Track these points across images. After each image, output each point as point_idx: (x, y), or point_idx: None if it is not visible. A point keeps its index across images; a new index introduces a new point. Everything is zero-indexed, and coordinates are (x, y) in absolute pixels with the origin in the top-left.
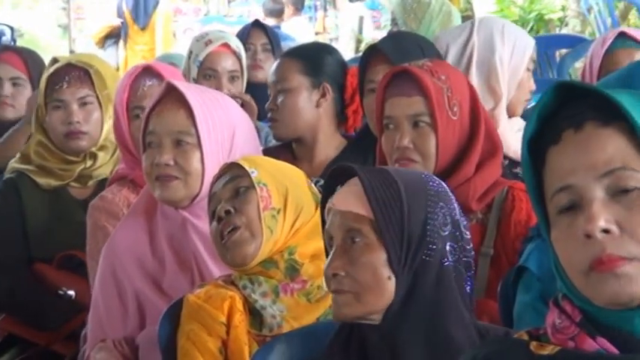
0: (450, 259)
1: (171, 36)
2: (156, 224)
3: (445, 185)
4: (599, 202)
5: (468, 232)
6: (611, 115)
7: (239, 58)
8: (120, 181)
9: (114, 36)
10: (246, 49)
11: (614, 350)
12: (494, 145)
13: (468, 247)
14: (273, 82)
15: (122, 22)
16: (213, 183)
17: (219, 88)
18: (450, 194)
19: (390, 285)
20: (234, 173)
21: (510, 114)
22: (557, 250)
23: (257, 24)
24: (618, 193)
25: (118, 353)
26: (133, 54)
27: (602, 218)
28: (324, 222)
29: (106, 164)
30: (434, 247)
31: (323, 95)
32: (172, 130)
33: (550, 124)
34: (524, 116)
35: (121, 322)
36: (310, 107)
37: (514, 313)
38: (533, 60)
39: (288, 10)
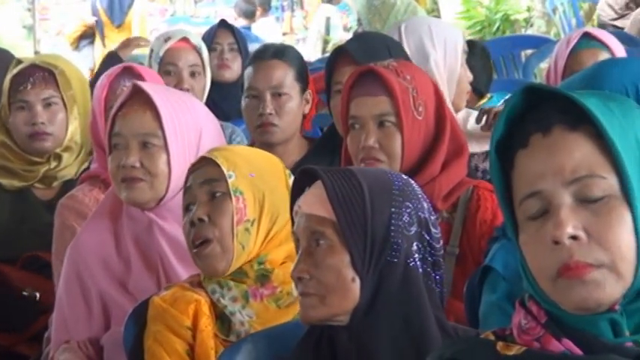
0: (417, 258)
1: (147, 35)
2: (121, 225)
3: (413, 183)
4: (567, 208)
5: (437, 231)
6: (579, 118)
7: (200, 54)
8: (91, 180)
9: (88, 36)
10: (213, 49)
11: (579, 352)
12: (459, 144)
13: (437, 246)
14: (269, 87)
15: (97, 21)
16: (189, 174)
17: (180, 83)
18: (418, 193)
19: (355, 286)
20: (211, 174)
21: (456, 109)
22: (525, 255)
23: (223, 24)
24: (586, 200)
25: (82, 354)
26: None
27: (570, 225)
28: (293, 223)
29: (70, 165)
30: (399, 247)
31: (307, 102)
32: (139, 132)
33: (518, 127)
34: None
35: (85, 323)
36: (299, 113)
37: (480, 313)
38: (465, 51)
39: (257, 10)
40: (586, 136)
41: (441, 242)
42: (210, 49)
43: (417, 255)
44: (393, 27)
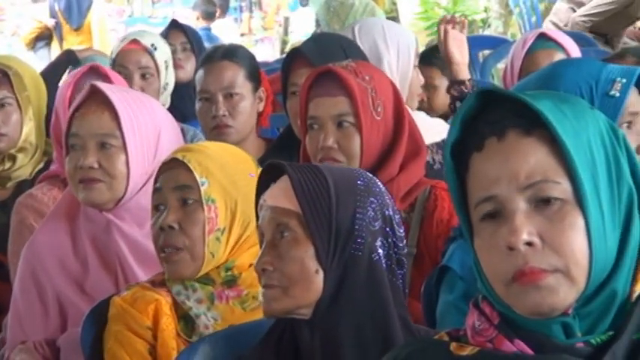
0: (381, 254)
1: (107, 37)
2: (78, 226)
3: (378, 181)
4: (521, 214)
5: (401, 230)
6: (533, 122)
7: (152, 56)
8: (51, 179)
9: (45, 37)
10: None
11: (531, 352)
12: (417, 145)
13: (401, 245)
14: (220, 88)
15: (56, 23)
16: (158, 174)
17: (130, 85)
18: (383, 191)
19: (318, 279)
20: (183, 180)
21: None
22: (479, 258)
23: (175, 24)
24: (540, 205)
25: (38, 355)
26: None
27: (525, 231)
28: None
29: (25, 166)
30: (363, 240)
31: (260, 100)
32: (97, 133)
33: (472, 130)
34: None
35: (41, 323)
36: (254, 112)
37: (437, 313)
38: (417, 54)
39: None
40: (540, 140)
41: (405, 241)
42: None
43: (381, 250)
44: (347, 27)
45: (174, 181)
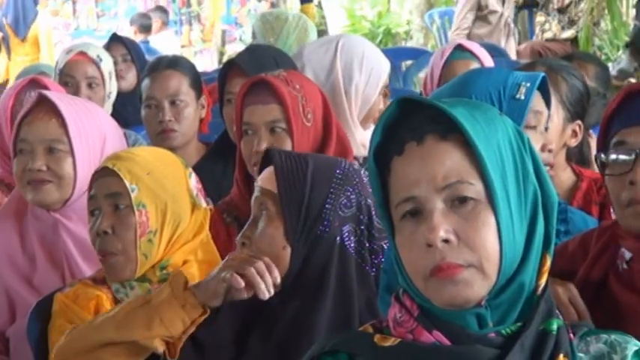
0: (351, 240)
1: (53, 48)
2: (26, 225)
3: (364, 174)
4: (439, 213)
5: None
6: (449, 127)
7: (98, 67)
8: None
9: None
10: None
11: (448, 342)
12: (344, 148)
13: (377, 235)
14: (166, 95)
15: (2, 36)
16: (92, 182)
17: (77, 94)
18: (365, 183)
19: (286, 254)
20: (115, 188)
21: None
22: (400, 254)
23: (115, 37)
24: (456, 205)
25: None
26: (15, 65)
27: (443, 229)
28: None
29: None
30: (329, 223)
31: (202, 107)
32: (44, 139)
33: (394, 135)
34: None
35: None
36: (197, 118)
37: None
38: (386, 85)
39: (156, 24)
40: (456, 144)
41: (384, 234)
42: None
43: (350, 236)
44: (331, 38)
45: (107, 188)
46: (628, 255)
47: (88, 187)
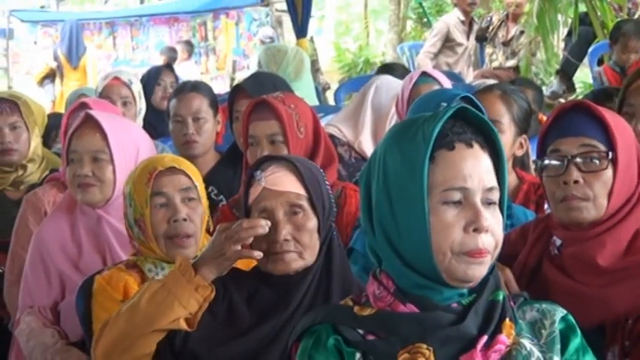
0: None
1: (97, 75)
2: (76, 219)
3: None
4: (481, 206)
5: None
6: (484, 139)
7: (129, 88)
8: (54, 181)
9: (50, 76)
10: (158, 84)
11: (418, 312)
12: (331, 156)
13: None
14: (190, 113)
15: (57, 65)
16: (157, 178)
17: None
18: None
19: (318, 245)
20: (185, 183)
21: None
22: (434, 231)
23: (167, 67)
24: (485, 205)
25: (42, 316)
26: (68, 89)
27: (488, 221)
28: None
29: (34, 172)
30: (333, 215)
31: (218, 122)
32: (90, 150)
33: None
34: None
35: (45, 293)
36: (214, 132)
37: None
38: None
39: (182, 55)
40: (488, 155)
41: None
42: (155, 84)
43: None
44: (370, 81)
45: (178, 184)
46: (559, 242)
47: (150, 186)
